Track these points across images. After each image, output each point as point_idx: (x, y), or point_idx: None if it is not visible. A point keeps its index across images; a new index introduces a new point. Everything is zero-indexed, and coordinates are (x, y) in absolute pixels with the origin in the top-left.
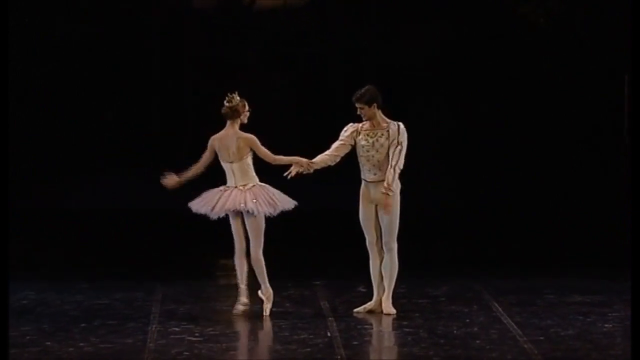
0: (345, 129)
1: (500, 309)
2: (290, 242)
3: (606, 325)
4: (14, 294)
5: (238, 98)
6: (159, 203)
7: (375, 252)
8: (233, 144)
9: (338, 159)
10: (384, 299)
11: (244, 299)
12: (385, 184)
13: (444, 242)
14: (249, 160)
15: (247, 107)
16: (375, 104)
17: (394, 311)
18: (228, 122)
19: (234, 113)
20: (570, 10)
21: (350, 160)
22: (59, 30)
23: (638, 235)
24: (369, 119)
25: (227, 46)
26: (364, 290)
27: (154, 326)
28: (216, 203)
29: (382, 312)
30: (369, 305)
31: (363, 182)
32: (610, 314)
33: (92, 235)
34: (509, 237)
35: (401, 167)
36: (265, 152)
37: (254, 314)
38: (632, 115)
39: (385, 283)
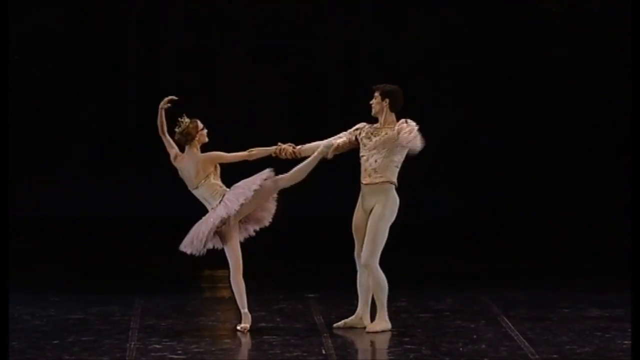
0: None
1: (510, 323)
2: (282, 253)
3: (626, 342)
4: None
5: (187, 120)
6: (138, 211)
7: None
8: (192, 169)
9: (333, 149)
10: (365, 315)
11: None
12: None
13: (447, 250)
14: (213, 178)
15: (200, 126)
16: (389, 100)
17: (376, 329)
18: (186, 148)
19: (187, 137)
20: (572, 8)
21: (347, 165)
22: (58, 32)
23: (638, 238)
24: (377, 113)
25: (215, 39)
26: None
27: (132, 343)
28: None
29: (363, 328)
30: (349, 320)
31: (361, 186)
32: (630, 330)
33: (64, 245)
34: (517, 244)
35: (416, 128)
36: (234, 156)
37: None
38: (633, 115)
39: (368, 299)
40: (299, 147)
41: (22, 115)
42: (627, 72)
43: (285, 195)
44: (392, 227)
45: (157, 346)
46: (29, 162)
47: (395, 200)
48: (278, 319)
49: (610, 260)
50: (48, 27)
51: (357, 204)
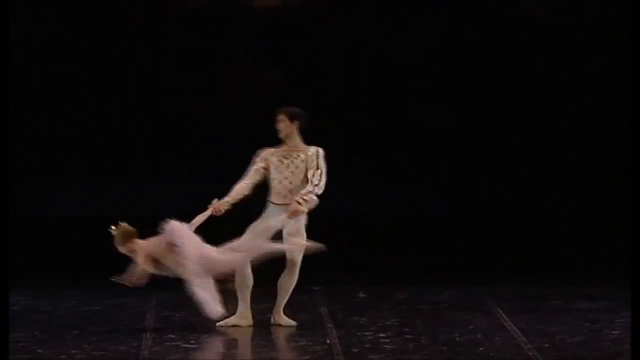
0: (257, 153)
1: (504, 315)
2: None
3: (613, 332)
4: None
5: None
6: (153, 210)
7: None
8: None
9: (252, 187)
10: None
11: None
12: (301, 194)
13: (444, 246)
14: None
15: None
16: (298, 123)
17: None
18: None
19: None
20: (572, 8)
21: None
22: (57, 32)
23: (638, 236)
24: (286, 136)
25: (219, 41)
26: (363, 296)
27: (148, 333)
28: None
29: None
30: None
31: (269, 205)
32: (617, 321)
33: (84, 242)
34: (511, 240)
35: (321, 190)
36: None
37: (252, 319)
38: (633, 115)
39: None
40: (222, 200)
41: (28, 115)
42: (628, 71)
43: None
44: (394, 224)
45: (171, 336)
46: (53, 164)
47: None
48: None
49: (602, 256)
50: (48, 28)
51: (262, 218)
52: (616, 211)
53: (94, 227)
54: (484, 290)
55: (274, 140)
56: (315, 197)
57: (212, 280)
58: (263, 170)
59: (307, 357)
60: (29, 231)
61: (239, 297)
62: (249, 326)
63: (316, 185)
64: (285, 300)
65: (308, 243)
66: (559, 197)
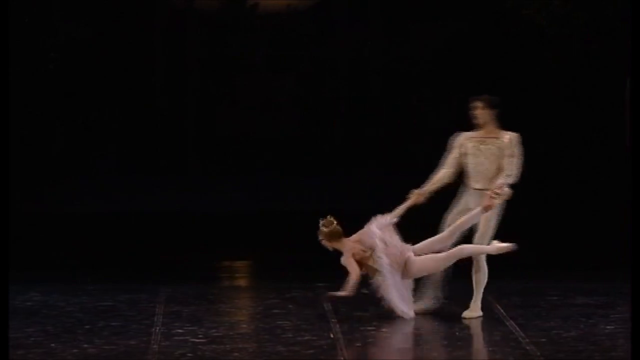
0: (453, 139)
1: (502, 310)
2: (294, 244)
3: (608, 327)
4: (18, 295)
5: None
6: (163, 205)
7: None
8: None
9: (452, 174)
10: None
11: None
12: (494, 186)
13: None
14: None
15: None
16: (495, 110)
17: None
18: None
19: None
20: (573, 11)
21: (352, 159)
22: (60, 31)
23: (638, 235)
24: (484, 123)
25: (231, 48)
26: (366, 292)
27: (157, 328)
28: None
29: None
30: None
31: (467, 187)
32: (613, 316)
33: (96, 238)
34: (510, 237)
35: (513, 180)
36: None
37: (257, 315)
38: (633, 115)
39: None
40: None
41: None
42: (628, 72)
43: (296, 191)
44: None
45: (180, 330)
46: (64, 160)
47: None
48: (290, 306)
49: (599, 252)
50: (82, 34)
51: (460, 203)
52: (614, 207)
53: (108, 223)
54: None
55: (279, 143)
56: (507, 189)
57: (404, 281)
58: (460, 157)
59: (311, 352)
60: (43, 227)
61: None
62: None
63: (509, 175)
64: (480, 295)
65: (502, 244)
66: (558, 193)
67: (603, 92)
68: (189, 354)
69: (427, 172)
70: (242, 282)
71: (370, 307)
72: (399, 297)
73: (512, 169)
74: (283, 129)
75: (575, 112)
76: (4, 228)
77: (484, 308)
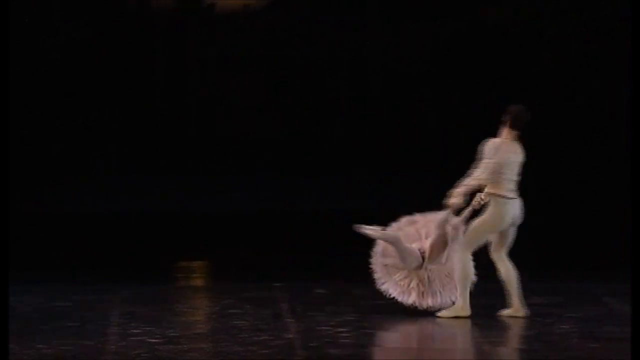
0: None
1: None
2: (251, 245)
3: (563, 327)
4: None
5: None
6: (119, 206)
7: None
8: None
9: None
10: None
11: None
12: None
13: None
14: None
15: None
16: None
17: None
18: None
19: None
20: (573, 10)
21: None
22: (60, 32)
23: (638, 235)
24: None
25: (190, 47)
26: (322, 292)
27: (114, 328)
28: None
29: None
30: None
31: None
32: (566, 315)
33: (51, 238)
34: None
35: (470, 180)
36: None
37: (213, 315)
38: (633, 115)
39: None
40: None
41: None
42: (628, 72)
43: (256, 190)
44: (354, 220)
45: (136, 331)
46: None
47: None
48: (247, 306)
49: (555, 251)
50: (81, 35)
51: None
52: (614, 207)
53: (64, 224)
54: None
55: (242, 146)
56: (456, 190)
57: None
58: None
59: (267, 351)
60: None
61: (460, 290)
62: (467, 317)
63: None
64: (516, 292)
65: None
66: (557, 193)
67: (603, 92)
68: (146, 354)
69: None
70: (199, 282)
71: (326, 306)
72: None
73: (474, 172)
74: (242, 128)
75: (575, 112)
76: (4, 228)
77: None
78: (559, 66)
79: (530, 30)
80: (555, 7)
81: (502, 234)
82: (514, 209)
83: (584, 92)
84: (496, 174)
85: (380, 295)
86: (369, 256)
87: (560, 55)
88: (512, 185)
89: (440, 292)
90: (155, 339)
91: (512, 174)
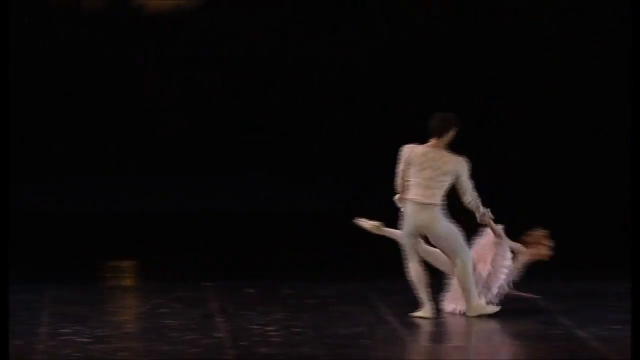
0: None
1: (386, 309)
2: (180, 245)
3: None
4: None
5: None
6: (47, 205)
7: None
8: None
9: None
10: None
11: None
12: None
13: (332, 241)
14: None
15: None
16: None
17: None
18: None
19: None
20: (573, 10)
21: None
22: (60, 32)
23: (638, 235)
24: None
25: (121, 49)
26: (252, 291)
27: (43, 328)
28: None
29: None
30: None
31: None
32: None
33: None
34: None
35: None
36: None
37: (143, 314)
38: (633, 114)
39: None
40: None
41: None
42: (628, 71)
43: (181, 190)
44: (282, 219)
45: (65, 330)
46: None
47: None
48: (177, 306)
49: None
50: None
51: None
52: (614, 207)
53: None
54: (367, 284)
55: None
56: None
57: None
58: None
59: (197, 350)
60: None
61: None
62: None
63: None
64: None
65: None
66: (557, 193)
67: (603, 92)
68: (75, 354)
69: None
70: (128, 282)
71: (256, 306)
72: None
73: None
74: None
75: (574, 112)
76: (4, 228)
77: (368, 306)
78: (558, 66)
79: (529, 29)
80: (555, 7)
81: (412, 237)
82: (414, 214)
83: (584, 92)
84: (401, 179)
85: (309, 294)
86: (298, 255)
87: (560, 55)
88: (418, 190)
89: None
90: (85, 338)
91: (416, 179)
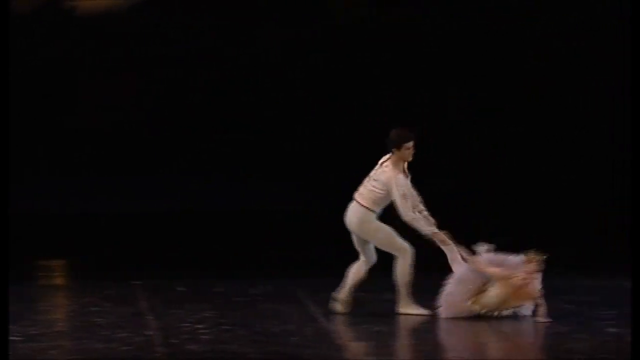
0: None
1: (315, 306)
2: (112, 245)
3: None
4: None
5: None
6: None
7: None
8: None
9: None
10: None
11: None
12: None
13: (263, 242)
14: None
15: None
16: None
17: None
18: None
19: None
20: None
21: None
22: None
23: (638, 235)
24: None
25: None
26: (182, 289)
27: None
28: None
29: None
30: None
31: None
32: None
33: None
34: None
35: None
36: None
37: (73, 313)
38: (633, 113)
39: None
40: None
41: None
42: (628, 70)
43: (112, 191)
44: (214, 218)
45: None
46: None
47: None
48: (107, 304)
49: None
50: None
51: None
52: (614, 207)
53: None
54: (296, 282)
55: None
56: None
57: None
58: None
59: (128, 348)
60: None
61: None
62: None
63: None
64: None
65: None
66: (557, 193)
67: (603, 92)
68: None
69: None
70: (59, 281)
71: (186, 304)
72: None
73: None
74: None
75: (574, 112)
76: (4, 227)
77: (297, 303)
78: (557, 65)
79: (528, 27)
80: (555, 7)
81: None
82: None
83: (584, 91)
84: None
85: (238, 292)
86: (228, 254)
87: (559, 54)
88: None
89: None
90: (16, 337)
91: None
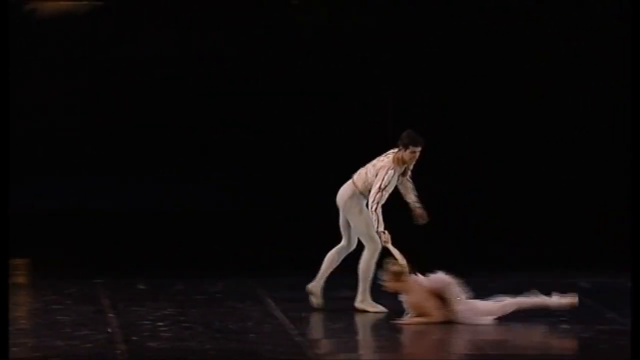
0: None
1: (273, 304)
2: (72, 243)
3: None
4: None
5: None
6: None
7: None
8: None
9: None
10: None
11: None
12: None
13: (222, 241)
14: None
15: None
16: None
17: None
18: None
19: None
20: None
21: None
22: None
23: (638, 235)
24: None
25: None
26: (142, 287)
27: None
28: None
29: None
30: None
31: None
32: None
33: None
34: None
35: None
36: None
37: (35, 311)
38: (633, 113)
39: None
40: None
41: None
42: (628, 69)
43: (73, 189)
44: (173, 218)
45: None
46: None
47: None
48: (69, 302)
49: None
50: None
51: None
52: (614, 207)
53: None
54: (255, 280)
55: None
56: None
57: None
58: None
59: (89, 345)
60: None
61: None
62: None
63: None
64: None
65: None
66: (557, 193)
67: (603, 92)
68: None
69: None
70: (21, 280)
71: (147, 302)
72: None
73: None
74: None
75: (575, 112)
76: (4, 227)
77: (256, 301)
78: (557, 65)
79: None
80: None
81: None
82: None
83: (584, 91)
84: None
85: (198, 290)
86: (187, 253)
87: (559, 54)
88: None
89: None
90: None
91: None
